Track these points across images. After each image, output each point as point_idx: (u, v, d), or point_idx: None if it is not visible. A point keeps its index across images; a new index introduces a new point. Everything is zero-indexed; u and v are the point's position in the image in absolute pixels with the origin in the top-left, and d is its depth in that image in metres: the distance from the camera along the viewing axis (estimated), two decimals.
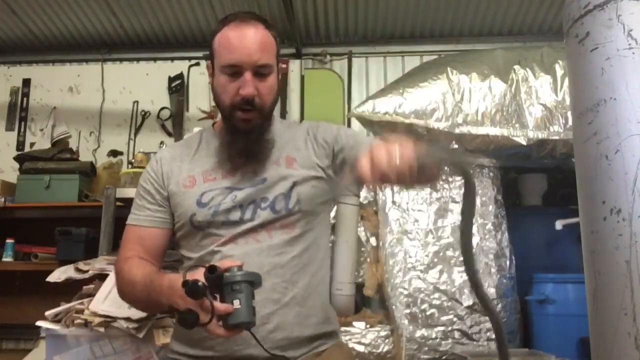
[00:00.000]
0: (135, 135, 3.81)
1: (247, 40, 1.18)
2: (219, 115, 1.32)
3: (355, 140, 1.27)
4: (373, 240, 2.74)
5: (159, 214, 1.26)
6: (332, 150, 1.26)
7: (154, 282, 1.08)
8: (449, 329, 2.53)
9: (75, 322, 1.77)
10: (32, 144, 3.79)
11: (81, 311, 1.79)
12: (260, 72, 1.19)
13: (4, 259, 3.20)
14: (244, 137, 1.21)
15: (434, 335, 2.52)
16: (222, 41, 1.21)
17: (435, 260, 2.63)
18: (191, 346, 1.19)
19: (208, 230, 1.20)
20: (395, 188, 2.75)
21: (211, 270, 0.94)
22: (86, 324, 1.75)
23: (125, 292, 1.21)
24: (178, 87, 3.82)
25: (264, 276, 1.09)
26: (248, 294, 0.95)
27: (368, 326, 2.53)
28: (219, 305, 0.94)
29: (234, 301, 0.94)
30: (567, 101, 2.56)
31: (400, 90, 2.68)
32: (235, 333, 0.97)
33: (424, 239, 2.67)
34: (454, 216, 2.70)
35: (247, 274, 0.97)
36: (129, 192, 2.73)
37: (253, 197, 1.19)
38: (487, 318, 2.55)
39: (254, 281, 0.98)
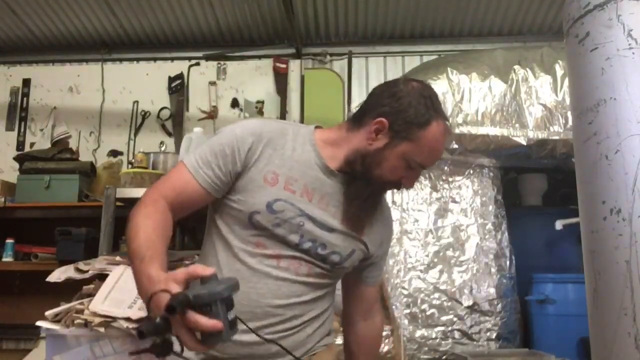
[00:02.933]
0: (135, 135, 3.81)
1: (443, 150, 1.26)
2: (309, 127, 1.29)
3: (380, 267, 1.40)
4: None
5: (218, 182, 1.16)
6: (370, 255, 1.33)
7: (144, 262, 0.98)
8: (449, 329, 2.53)
9: (75, 322, 1.77)
10: (32, 144, 3.79)
11: (81, 311, 1.79)
12: None
13: (4, 259, 3.20)
14: (374, 202, 1.26)
15: (434, 335, 2.52)
16: (431, 143, 1.19)
17: (435, 260, 2.64)
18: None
19: (260, 232, 1.18)
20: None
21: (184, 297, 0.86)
22: (86, 324, 1.75)
23: (130, 229, 1.08)
24: (178, 87, 3.82)
25: (289, 306, 1.17)
26: (224, 309, 0.89)
27: None
28: (203, 326, 0.86)
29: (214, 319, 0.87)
30: (567, 101, 2.56)
31: None
32: (212, 348, 0.94)
33: (424, 239, 2.67)
34: (454, 216, 2.71)
35: (224, 289, 0.89)
36: (129, 192, 2.72)
37: (314, 236, 1.19)
38: (487, 318, 2.55)
39: (230, 295, 0.90)
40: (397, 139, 1.18)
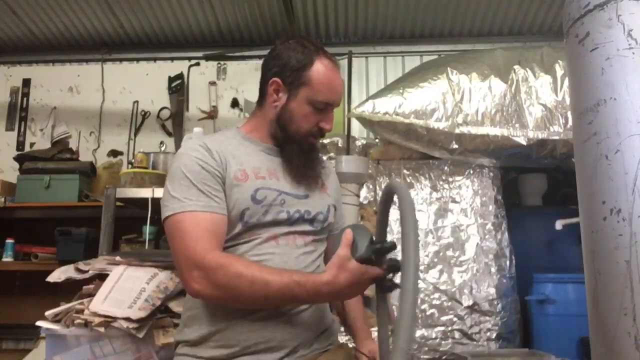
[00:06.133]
0: (135, 135, 3.81)
1: (340, 84, 1.35)
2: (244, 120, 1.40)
3: (341, 214, 1.52)
4: None
5: (225, 202, 1.21)
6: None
7: (305, 286, 1.09)
8: (449, 329, 2.53)
9: (75, 322, 1.77)
10: (32, 144, 3.79)
11: (81, 311, 1.79)
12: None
13: (4, 259, 3.20)
14: (310, 156, 1.34)
15: (434, 335, 2.52)
16: (322, 79, 1.29)
17: (435, 260, 2.63)
18: (212, 334, 1.20)
19: (253, 226, 1.22)
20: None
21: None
22: (86, 324, 1.75)
23: (242, 291, 1.09)
24: (178, 87, 3.82)
25: None
26: None
27: None
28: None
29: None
30: (567, 101, 2.56)
31: (400, 90, 2.68)
32: None
33: (424, 239, 2.67)
34: (454, 216, 2.70)
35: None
36: (129, 192, 2.73)
37: (297, 207, 1.28)
38: (487, 318, 2.55)
39: None
40: (294, 89, 1.28)
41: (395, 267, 1.09)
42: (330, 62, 1.31)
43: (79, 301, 1.87)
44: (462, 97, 2.65)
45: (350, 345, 1.53)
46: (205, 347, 1.20)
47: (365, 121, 2.75)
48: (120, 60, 3.95)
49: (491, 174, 2.77)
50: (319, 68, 1.29)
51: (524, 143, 2.61)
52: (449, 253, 2.65)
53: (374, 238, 1.13)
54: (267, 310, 1.18)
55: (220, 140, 1.31)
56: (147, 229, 2.71)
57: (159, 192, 2.48)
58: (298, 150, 1.31)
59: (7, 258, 3.20)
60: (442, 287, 2.58)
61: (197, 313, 1.24)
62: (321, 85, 1.28)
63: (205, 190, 1.18)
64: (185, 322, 1.28)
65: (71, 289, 1.98)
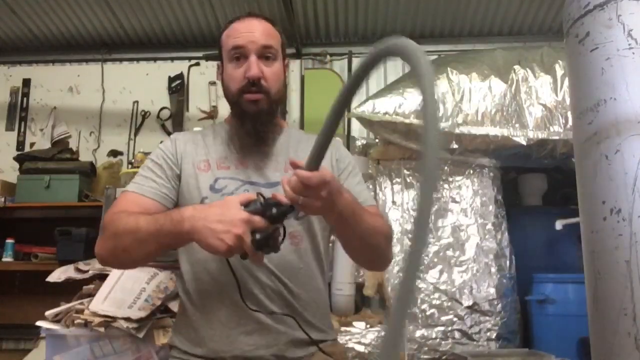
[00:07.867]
0: (135, 135, 3.81)
1: (252, 26, 1.25)
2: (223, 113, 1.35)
3: (359, 189, 1.30)
4: None
5: (164, 190, 1.22)
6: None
7: (170, 214, 1.04)
8: (449, 329, 2.53)
9: (75, 322, 1.77)
10: (32, 144, 3.78)
11: (81, 311, 1.79)
12: (265, 54, 1.23)
13: (4, 259, 3.20)
14: (252, 119, 1.23)
15: (434, 335, 2.52)
16: (229, 32, 1.27)
17: (435, 260, 2.63)
18: (199, 346, 1.20)
19: None
20: (396, 188, 2.76)
21: (275, 204, 0.98)
22: (86, 324, 1.76)
23: (121, 236, 1.08)
24: (178, 87, 3.82)
25: (275, 283, 1.17)
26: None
27: (368, 326, 2.53)
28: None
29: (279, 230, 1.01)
30: (567, 101, 2.56)
31: (400, 90, 2.68)
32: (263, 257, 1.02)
33: None
34: (454, 216, 2.70)
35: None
36: None
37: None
38: (487, 318, 2.55)
39: None
40: (221, 60, 1.30)
41: (275, 218, 0.97)
42: (243, 17, 1.28)
43: (79, 301, 1.87)
44: (462, 97, 2.65)
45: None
46: (194, 357, 1.20)
47: (365, 121, 2.75)
48: (120, 60, 3.94)
49: (491, 174, 2.77)
50: (230, 26, 1.28)
51: (524, 143, 2.61)
52: (449, 253, 2.65)
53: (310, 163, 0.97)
54: (250, 319, 1.15)
55: (198, 133, 1.35)
56: None
57: None
58: (241, 113, 1.24)
59: (7, 258, 3.20)
60: (442, 287, 2.58)
61: (183, 320, 1.24)
62: (228, 37, 1.26)
63: (147, 176, 1.24)
64: (175, 327, 1.30)
65: (71, 289, 1.99)
